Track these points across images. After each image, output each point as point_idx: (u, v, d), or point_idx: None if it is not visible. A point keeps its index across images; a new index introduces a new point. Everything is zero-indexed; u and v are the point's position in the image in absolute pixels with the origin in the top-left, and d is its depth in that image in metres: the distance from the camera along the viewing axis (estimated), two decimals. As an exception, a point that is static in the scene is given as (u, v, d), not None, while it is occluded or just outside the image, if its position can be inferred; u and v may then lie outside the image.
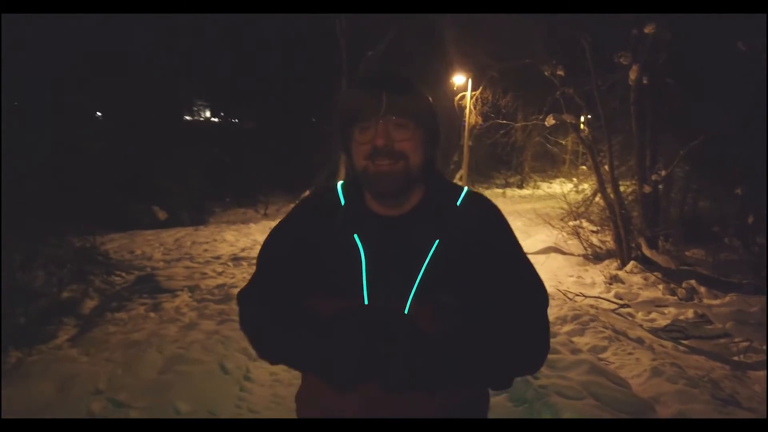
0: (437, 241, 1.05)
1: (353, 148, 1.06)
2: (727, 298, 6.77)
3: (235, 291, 5.13)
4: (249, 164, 14.15)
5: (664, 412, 3.02)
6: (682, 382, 3.35)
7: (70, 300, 4.83)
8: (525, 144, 15.02)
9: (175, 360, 3.21)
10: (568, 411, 2.45)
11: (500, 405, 2.83)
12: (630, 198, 9.05)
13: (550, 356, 3.54)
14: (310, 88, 15.70)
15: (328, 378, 0.98)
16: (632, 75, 8.22)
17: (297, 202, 1.24)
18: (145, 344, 3.56)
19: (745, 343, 5.21)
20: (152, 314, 4.46)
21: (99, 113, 8.79)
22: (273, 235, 1.19)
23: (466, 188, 1.15)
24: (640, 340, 4.66)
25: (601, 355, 4.07)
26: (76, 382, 2.97)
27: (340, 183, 1.17)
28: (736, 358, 4.87)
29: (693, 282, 7.30)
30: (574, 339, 4.30)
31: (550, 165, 19.37)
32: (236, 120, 16.64)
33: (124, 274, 6.19)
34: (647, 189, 8.48)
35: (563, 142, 15.02)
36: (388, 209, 1.10)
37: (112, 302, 5.09)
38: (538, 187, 17.45)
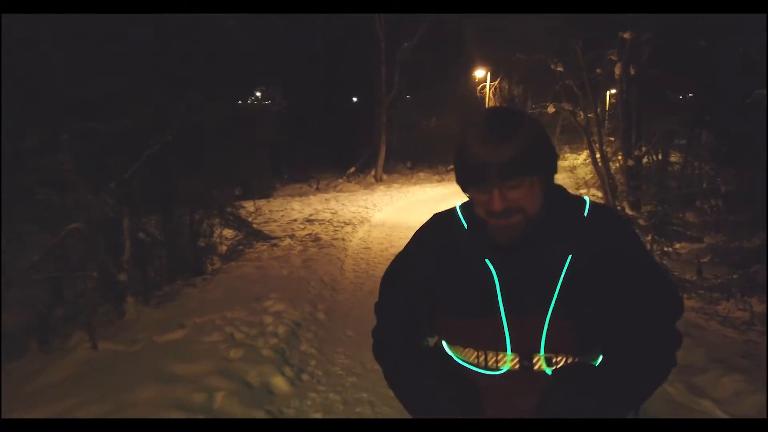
0: (570, 256, 1.15)
1: (473, 199, 1.18)
2: (677, 246, 10.06)
3: (320, 238, 8.82)
4: (300, 143, 17.83)
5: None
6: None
7: (218, 243, 8.57)
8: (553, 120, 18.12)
9: (307, 260, 6.91)
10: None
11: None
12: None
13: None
14: (352, 71, 19.11)
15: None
16: (617, 71, 11.34)
17: (418, 228, 1.38)
18: (283, 258, 7.25)
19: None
20: (274, 248, 8.15)
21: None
22: (399, 264, 1.37)
23: (588, 199, 1.24)
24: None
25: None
26: (263, 269, 6.66)
27: (458, 205, 1.30)
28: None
29: (652, 235, 10.56)
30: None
31: (579, 137, 22.13)
32: (285, 103, 20.33)
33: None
34: (630, 162, 11.65)
35: (591, 116, 18.05)
36: None
37: (239, 246, 8.82)
38: (566, 159, 20.52)
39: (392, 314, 1.35)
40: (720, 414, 3.32)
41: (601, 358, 1.19)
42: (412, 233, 1.39)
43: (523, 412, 1.16)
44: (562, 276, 1.14)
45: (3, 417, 3.23)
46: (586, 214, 1.21)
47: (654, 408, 3.11)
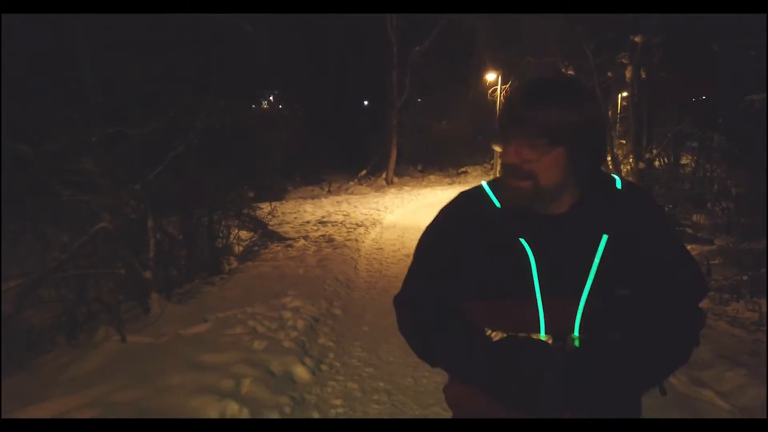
0: (605, 236, 1.15)
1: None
2: (687, 248, 10.23)
3: (334, 239, 9.07)
4: (311, 147, 18.13)
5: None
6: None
7: (234, 243, 8.84)
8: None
9: (322, 260, 7.15)
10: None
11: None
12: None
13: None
14: (364, 75, 19.39)
15: (504, 403, 1.12)
16: (627, 74, 11.52)
17: (444, 207, 1.32)
18: (299, 258, 7.49)
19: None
20: (289, 249, 8.40)
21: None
22: (427, 241, 1.32)
23: (617, 177, 1.23)
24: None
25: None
26: (280, 269, 6.90)
27: (485, 183, 1.28)
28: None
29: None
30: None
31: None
32: (297, 106, 20.63)
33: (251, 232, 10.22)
34: (642, 165, 11.82)
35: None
36: (548, 207, 1.19)
37: (254, 247, 9.08)
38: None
39: (431, 298, 1.27)
40: (721, 404, 3.51)
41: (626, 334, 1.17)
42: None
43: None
44: (598, 256, 1.15)
45: (33, 403, 3.38)
46: (618, 192, 1.21)
47: (655, 398, 3.30)
